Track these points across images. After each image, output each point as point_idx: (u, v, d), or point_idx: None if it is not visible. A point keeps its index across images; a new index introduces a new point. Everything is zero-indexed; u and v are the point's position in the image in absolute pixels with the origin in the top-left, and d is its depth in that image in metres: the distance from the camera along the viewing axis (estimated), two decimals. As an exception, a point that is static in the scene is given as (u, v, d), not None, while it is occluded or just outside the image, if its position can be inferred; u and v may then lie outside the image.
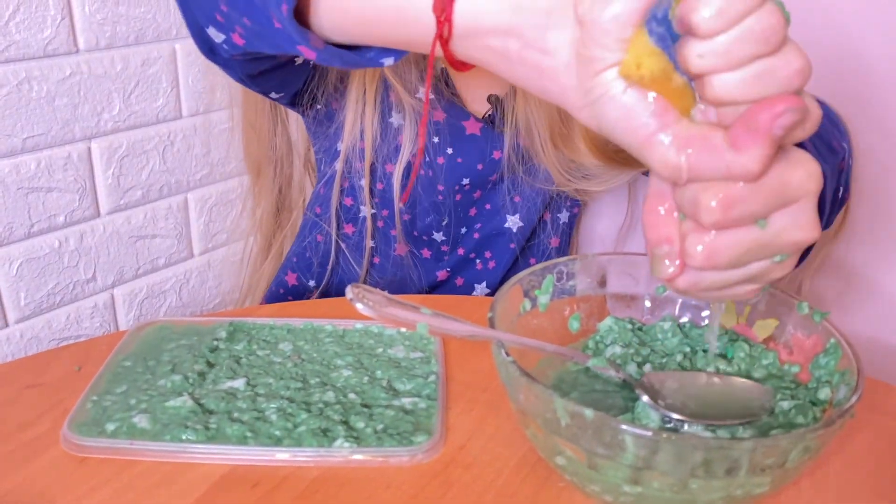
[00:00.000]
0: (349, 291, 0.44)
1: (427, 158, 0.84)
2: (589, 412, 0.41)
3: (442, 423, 0.55)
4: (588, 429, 0.41)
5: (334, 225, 0.90)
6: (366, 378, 0.60)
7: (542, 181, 0.84)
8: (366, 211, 0.88)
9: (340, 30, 0.49)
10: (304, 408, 0.56)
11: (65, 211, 0.98)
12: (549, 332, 0.56)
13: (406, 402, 0.58)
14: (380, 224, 0.90)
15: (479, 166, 0.84)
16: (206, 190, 1.14)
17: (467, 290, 0.90)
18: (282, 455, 0.52)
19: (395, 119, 0.84)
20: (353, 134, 0.85)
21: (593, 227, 1.02)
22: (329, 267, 0.91)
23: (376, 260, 0.92)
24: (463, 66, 0.44)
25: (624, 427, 0.40)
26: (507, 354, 0.45)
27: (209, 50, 0.67)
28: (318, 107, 0.88)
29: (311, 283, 0.93)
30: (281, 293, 0.95)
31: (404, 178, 0.85)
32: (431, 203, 0.87)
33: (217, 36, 0.60)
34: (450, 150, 0.83)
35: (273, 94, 0.84)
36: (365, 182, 0.87)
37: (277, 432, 0.54)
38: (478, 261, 0.89)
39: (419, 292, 0.91)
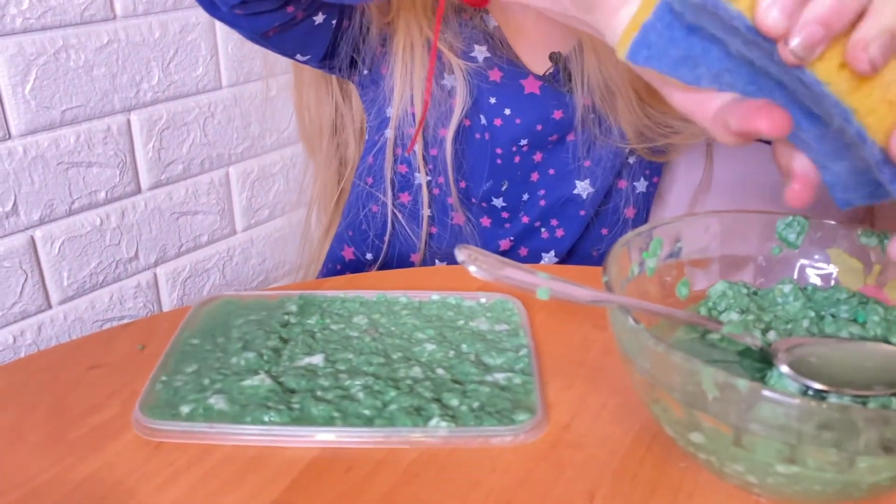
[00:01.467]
0: (460, 253, 0.39)
1: (482, 121, 0.79)
2: (743, 383, 0.36)
3: (542, 400, 0.51)
4: (741, 402, 0.36)
5: (389, 194, 0.85)
6: (451, 352, 0.56)
7: (618, 140, 0.79)
8: (421, 178, 0.84)
9: None
10: (392, 384, 0.52)
11: (105, 186, 0.94)
12: (656, 299, 0.52)
13: (499, 377, 0.53)
14: (435, 192, 0.85)
15: (539, 126, 0.79)
16: (247, 164, 1.10)
17: (533, 259, 0.86)
18: (375, 436, 0.48)
19: (447, 81, 0.79)
20: (403, 99, 0.80)
21: (661, 195, 0.97)
22: (386, 238, 0.87)
23: (433, 230, 0.87)
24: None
25: (790, 400, 0.35)
26: (636, 322, 0.41)
27: (210, 3, 0.64)
28: (364, 72, 0.83)
29: (369, 256, 0.89)
30: (338, 269, 0.91)
31: (458, 143, 0.81)
32: (490, 168, 0.82)
33: None
34: (507, 111, 0.79)
35: (298, 57, 0.79)
36: (418, 148, 0.82)
37: (367, 411, 0.49)
38: (543, 229, 0.84)
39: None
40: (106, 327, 0.96)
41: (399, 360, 0.55)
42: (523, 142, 0.79)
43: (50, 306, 0.92)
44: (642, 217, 0.87)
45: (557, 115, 0.78)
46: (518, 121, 0.78)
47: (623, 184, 0.84)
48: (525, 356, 0.55)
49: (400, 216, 0.86)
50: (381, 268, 0.88)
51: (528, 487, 0.45)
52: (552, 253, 0.85)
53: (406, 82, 0.79)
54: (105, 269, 0.96)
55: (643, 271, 0.51)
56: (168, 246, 1.02)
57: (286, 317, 0.60)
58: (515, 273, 0.40)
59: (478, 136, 0.81)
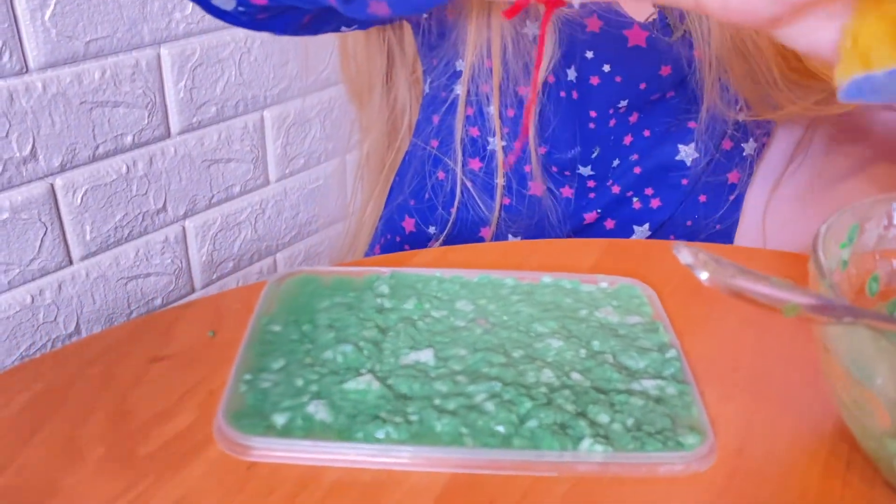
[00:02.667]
0: (684, 253, 0.30)
1: (570, 77, 0.69)
2: None
3: (706, 418, 0.42)
4: None
5: (459, 159, 0.75)
6: (582, 351, 0.47)
7: (730, 105, 0.69)
8: (495, 143, 0.73)
9: None
10: (525, 393, 0.43)
11: (133, 130, 0.83)
12: (847, 297, 0.43)
13: (648, 385, 0.44)
14: (511, 159, 0.75)
15: (642, 85, 0.69)
16: (283, 107, 0.99)
17: (622, 233, 0.76)
18: (516, 461, 0.39)
19: (529, 28, 0.68)
20: (477, 50, 0.69)
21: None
22: (454, 210, 0.77)
23: (507, 201, 0.77)
24: None
25: None
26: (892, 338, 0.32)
27: (225, 15, 0.54)
28: (426, 20, 0.72)
29: (432, 229, 0.79)
30: (398, 241, 0.81)
31: (539, 103, 0.70)
32: (580, 132, 0.72)
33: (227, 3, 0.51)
34: (607, 67, 0.68)
35: (343, 29, 0.68)
36: (494, 108, 0.72)
37: (501, 428, 0.41)
38: (636, 199, 0.75)
39: (559, 238, 0.77)
40: (131, 286, 0.86)
41: (522, 359, 0.46)
42: (622, 103, 0.69)
43: (71, 262, 0.82)
44: (745, 182, 0.77)
45: (665, 71, 0.68)
46: (619, 79, 0.68)
47: (728, 144, 0.74)
48: (675, 359, 0.46)
49: (470, 185, 0.76)
50: (446, 242, 0.78)
51: (716, 534, 0.36)
52: (646, 226, 0.75)
53: (482, 28, 0.69)
54: (131, 221, 0.86)
55: (837, 265, 0.42)
56: (198, 197, 0.92)
57: (379, 300, 0.51)
58: (755, 285, 0.30)
59: (562, 94, 0.70)
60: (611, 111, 0.70)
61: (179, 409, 0.42)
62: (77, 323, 0.84)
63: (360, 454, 0.39)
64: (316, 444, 0.39)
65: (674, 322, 0.50)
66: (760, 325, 0.51)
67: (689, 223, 0.77)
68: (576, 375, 0.45)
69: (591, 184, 0.74)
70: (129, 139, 0.83)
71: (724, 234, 0.81)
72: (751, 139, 0.75)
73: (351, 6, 0.45)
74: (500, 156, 0.74)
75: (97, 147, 0.80)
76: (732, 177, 0.75)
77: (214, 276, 0.98)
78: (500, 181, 0.74)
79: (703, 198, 0.76)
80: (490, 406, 0.42)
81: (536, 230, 0.77)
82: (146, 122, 0.84)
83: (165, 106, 0.85)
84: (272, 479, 0.38)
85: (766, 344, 0.49)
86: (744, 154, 0.75)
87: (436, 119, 0.77)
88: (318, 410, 0.41)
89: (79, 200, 0.80)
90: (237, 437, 0.39)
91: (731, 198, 0.78)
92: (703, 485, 0.39)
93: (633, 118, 0.71)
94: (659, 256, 0.58)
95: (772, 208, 0.89)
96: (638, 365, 0.46)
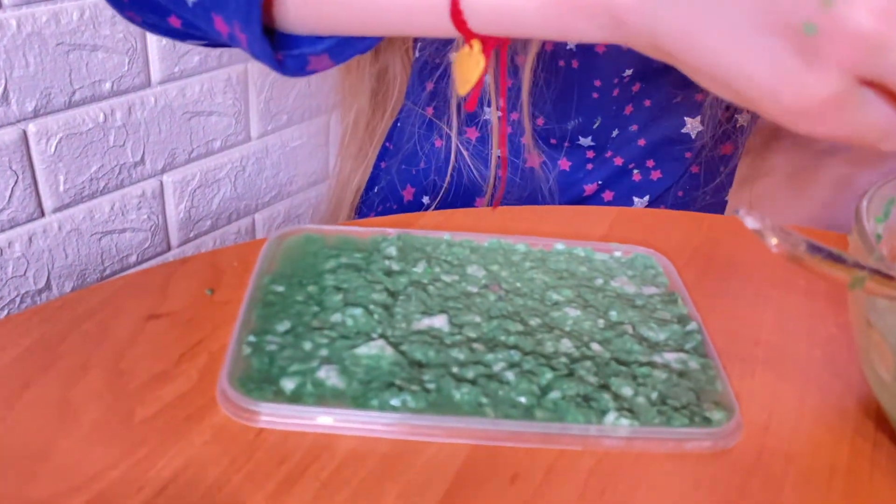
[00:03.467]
0: (751, 218, 0.28)
1: (570, 46, 0.66)
2: None
3: (731, 393, 0.41)
4: None
5: (455, 126, 0.72)
6: (601, 321, 0.45)
7: None
8: (491, 113, 0.71)
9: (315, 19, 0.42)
10: (545, 363, 0.41)
11: (112, 76, 0.79)
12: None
13: (670, 358, 0.43)
14: (508, 129, 0.72)
15: None
16: (268, 60, 0.95)
17: (621, 204, 0.74)
18: (540, 434, 0.37)
19: None
20: None
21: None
22: (447, 179, 0.74)
23: (501, 172, 0.75)
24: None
25: None
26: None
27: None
28: None
29: (425, 199, 0.76)
30: (394, 210, 0.78)
31: (537, 73, 0.68)
32: (581, 103, 0.69)
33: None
34: None
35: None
36: (490, 76, 0.69)
37: (523, 399, 0.39)
38: (636, 171, 0.73)
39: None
40: (105, 241, 0.83)
41: (540, 328, 0.44)
42: (627, 72, 0.67)
43: (43, 214, 0.78)
44: (738, 154, 0.76)
45: None
46: (625, 47, 0.66)
47: (725, 115, 0.72)
48: (696, 332, 0.45)
49: (466, 154, 0.74)
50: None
51: (749, 514, 0.35)
52: (647, 198, 0.74)
53: None
54: (107, 173, 0.82)
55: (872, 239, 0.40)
56: (178, 150, 0.88)
57: (387, 262, 0.48)
58: (827, 261, 0.28)
59: (561, 63, 0.68)
60: (615, 80, 0.68)
61: (179, 370, 0.39)
62: (48, 278, 0.80)
63: (377, 423, 0.37)
64: (330, 410, 0.37)
65: (690, 294, 0.49)
66: (777, 300, 0.49)
67: (680, 193, 0.75)
68: (595, 346, 0.43)
69: (589, 154, 0.72)
70: (107, 86, 0.78)
71: (715, 206, 0.79)
72: (745, 110, 0.73)
73: (289, 70, 0.44)
74: (494, 126, 0.71)
75: (73, 93, 0.76)
76: (725, 149, 0.74)
77: (192, 235, 0.94)
78: (495, 151, 0.72)
79: (695, 168, 0.74)
80: (510, 376, 0.40)
81: (529, 201, 0.75)
82: (126, 68, 0.79)
83: (146, 53, 0.81)
84: (282, 448, 0.36)
85: (784, 319, 0.48)
86: (737, 125, 0.73)
87: (430, 86, 0.74)
88: (330, 376, 0.39)
89: (52, 149, 0.76)
90: (244, 402, 0.37)
91: (724, 169, 0.77)
92: (731, 463, 0.37)
93: (636, 88, 0.69)
94: (670, 227, 0.57)
95: (760, 182, 0.88)
96: (658, 337, 0.44)
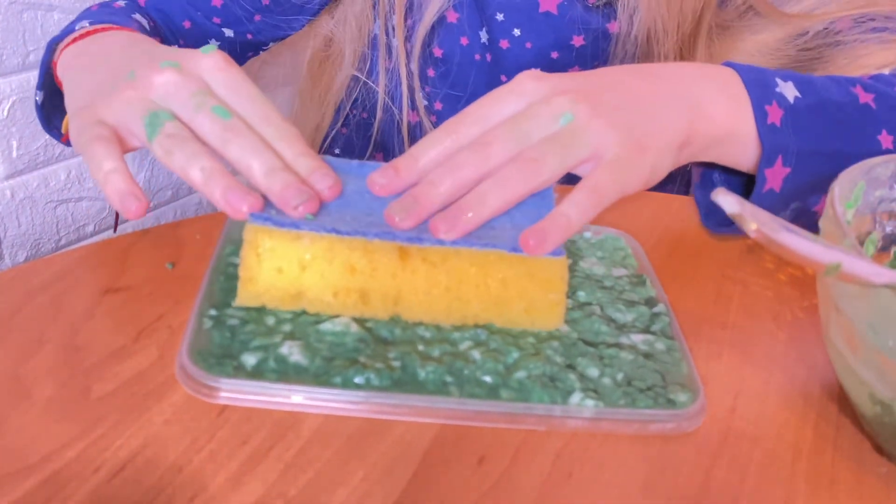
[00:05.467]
0: (728, 201, 0.28)
1: (483, 40, 0.67)
2: None
3: (696, 375, 0.41)
4: None
5: (381, 104, 0.73)
6: (569, 302, 0.45)
7: None
8: (379, 95, 0.72)
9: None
10: (511, 342, 0.40)
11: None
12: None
13: (637, 339, 0.43)
14: (433, 119, 0.73)
15: (554, 54, 0.67)
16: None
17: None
18: (505, 414, 0.37)
19: None
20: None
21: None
22: (367, 154, 0.75)
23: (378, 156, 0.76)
24: None
25: None
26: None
27: None
28: None
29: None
30: None
31: (452, 63, 0.68)
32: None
33: None
34: (517, 32, 0.66)
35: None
36: (399, 44, 0.69)
37: (488, 378, 0.38)
38: None
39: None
40: (61, 210, 0.80)
41: (507, 307, 0.43)
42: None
43: (-5, 181, 0.75)
44: None
45: (577, 41, 0.66)
46: (529, 45, 0.66)
47: None
48: (663, 314, 0.45)
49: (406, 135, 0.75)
50: None
51: (714, 495, 0.35)
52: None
53: None
54: (63, 140, 0.79)
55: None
56: (137, 118, 0.86)
57: (353, 237, 0.47)
58: (800, 241, 0.28)
59: (477, 56, 0.68)
60: None
61: (138, 346, 0.38)
62: (0, 247, 0.77)
63: (342, 401, 0.36)
64: (293, 388, 0.36)
65: (658, 276, 0.49)
66: (744, 283, 0.50)
67: None
68: (563, 326, 0.43)
69: None
70: (63, 49, 0.75)
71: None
72: None
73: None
74: (378, 113, 0.72)
75: (28, 55, 0.73)
76: None
77: (152, 205, 0.92)
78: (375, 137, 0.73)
79: None
80: (476, 354, 0.39)
81: None
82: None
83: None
84: (245, 427, 0.35)
85: (750, 302, 0.48)
86: None
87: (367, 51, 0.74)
88: (293, 352, 0.38)
89: (5, 113, 0.73)
90: (203, 377, 0.36)
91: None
92: (697, 445, 0.38)
93: None
94: (640, 208, 0.56)
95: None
96: (625, 318, 0.44)
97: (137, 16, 0.66)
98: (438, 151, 0.41)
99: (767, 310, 0.47)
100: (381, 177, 0.41)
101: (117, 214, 0.62)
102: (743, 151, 0.48)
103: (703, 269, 0.50)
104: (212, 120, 0.40)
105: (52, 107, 0.63)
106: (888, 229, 0.43)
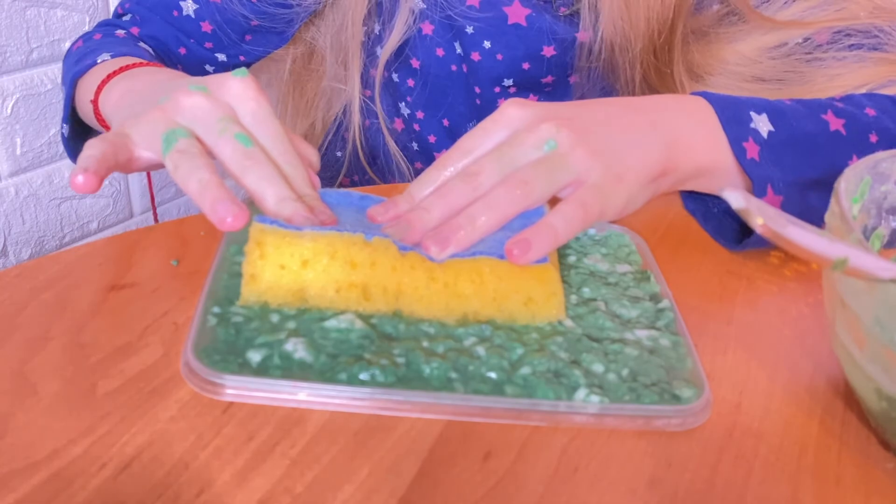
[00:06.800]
0: (737, 197, 0.28)
1: (458, 52, 0.67)
2: None
3: (702, 371, 0.41)
4: None
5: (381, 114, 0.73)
6: (573, 297, 0.45)
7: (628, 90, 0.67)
8: (354, 106, 0.72)
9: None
10: (516, 338, 0.40)
11: (70, 35, 0.76)
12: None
13: (641, 335, 0.43)
14: (416, 127, 0.73)
15: (525, 65, 0.67)
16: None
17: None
18: (510, 410, 0.37)
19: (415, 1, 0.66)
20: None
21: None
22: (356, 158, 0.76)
23: (418, 165, 0.76)
24: None
25: None
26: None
27: None
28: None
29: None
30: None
31: (428, 75, 0.69)
32: (469, 107, 0.72)
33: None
34: (487, 44, 0.66)
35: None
36: (378, 71, 0.70)
37: (493, 374, 0.38)
38: None
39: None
40: (65, 207, 0.80)
41: (512, 303, 0.43)
42: (507, 82, 0.68)
43: (-1, 178, 0.75)
44: None
45: (548, 52, 0.66)
46: (500, 56, 0.67)
47: None
48: (668, 310, 0.45)
49: (393, 145, 0.75)
50: None
51: (720, 491, 0.35)
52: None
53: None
54: (67, 137, 0.79)
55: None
56: (141, 115, 0.86)
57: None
58: (807, 236, 0.28)
59: (454, 67, 0.69)
60: (497, 90, 0.69)
61: (143, 343, 0.38)
62: (4, 244, 0.78)
63: (347, 398, 0.36)
64: (298, 385, 0.36)
65: (663, 272, 0.49)
66: (749, 278, 0.49)
67: None
68: (567, 322, 0.43)
69: None
70: (66, 45, 0.76)
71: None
72: None
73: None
74: (355, 121, 0.73)
75: (31, 52, 0.73)
76: None
77: (155, 201, 0.92)
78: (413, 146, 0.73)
79: None
80: (480, 350, 0.39)
81: None
82: (86, 27, 0.76)
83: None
84: (251, 423, 0.35)
85: (755, 297, 0.48)
86: None
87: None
88: (297, 349, 0.38)
89: (9, 110, 0.73)
90: (208, 374, 0.36)
91: None
92: (703, 442, 0.37)
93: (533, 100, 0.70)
94: (644, 205, 0.56)
95: None
96: (630, 314, 0.44)
97: (142, 44, 0.67)
98: (434, 188, 0.44)
99: (773, 305, 0.47)
100: (379, 214, 0.44)
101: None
102: (728, 182, 0.50)
103: (707, 265, 0.50)
104: (234, 146, 0.42)
105: (74, 137, 0.65)
106: (894, 224, 0.43)
